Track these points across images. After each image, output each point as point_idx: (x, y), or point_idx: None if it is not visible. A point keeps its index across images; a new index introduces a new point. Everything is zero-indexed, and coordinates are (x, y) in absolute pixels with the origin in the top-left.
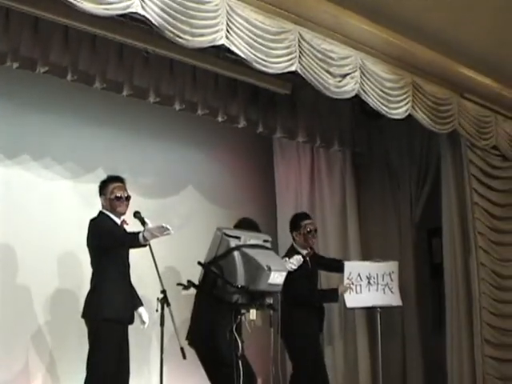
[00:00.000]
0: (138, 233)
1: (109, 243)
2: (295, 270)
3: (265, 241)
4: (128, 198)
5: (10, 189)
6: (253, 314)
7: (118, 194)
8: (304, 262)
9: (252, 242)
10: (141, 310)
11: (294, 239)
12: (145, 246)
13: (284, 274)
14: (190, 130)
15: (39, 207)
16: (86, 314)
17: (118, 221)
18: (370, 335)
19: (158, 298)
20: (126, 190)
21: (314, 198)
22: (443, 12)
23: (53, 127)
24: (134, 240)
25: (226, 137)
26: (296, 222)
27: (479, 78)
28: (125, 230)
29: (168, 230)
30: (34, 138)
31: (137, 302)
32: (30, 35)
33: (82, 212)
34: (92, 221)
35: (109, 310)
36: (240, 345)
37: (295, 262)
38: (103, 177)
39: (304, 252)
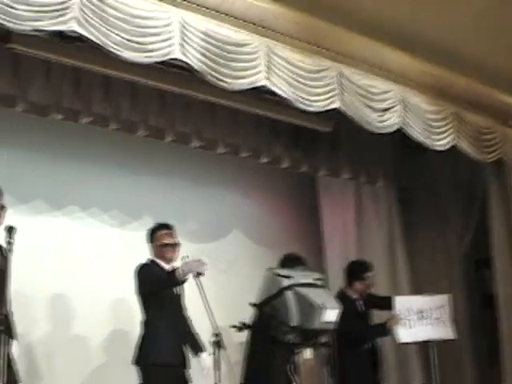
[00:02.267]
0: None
1: (152, 287)
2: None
3: (317, 279)
4: (177, 245)
5: (58, 239)
6: (307, 353)
7: (166, 241)
8: (355, 306)
9: (304, 280)
10: (203, 356)
11: (349, 285)
12: (183, 282)
13: (337, 311)
14: (232, 173)
15: (87, 256)
16: (136, 360)
17: (167, 267)
18: (424, 370)
19: (211, 342)
20: (174, 236)
21: (361, 234)
22: (482, 41)
23: (98, 176)
24: (173, 277)
25: (270, 178)
26: (361, 272)
27: None
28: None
29: (204, 263)
30: (79, 187)
31: (198, 347)
32: (71, 87)
33: (128, 259)
34: (138, 268)
35: (155, 354)
36: None
37: None
38: (149, 224)
39: (354, 296)
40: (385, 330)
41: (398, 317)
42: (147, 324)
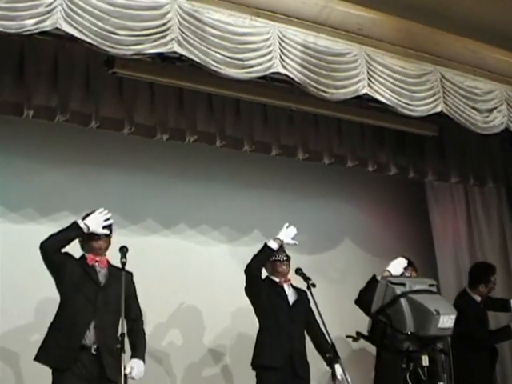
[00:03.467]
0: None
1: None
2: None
3: (430, 285)
4: (288, 259)
5: (168, 258)
6: (425, 360)
7: (278, 257)
8: (479, 309)
9: (417, 287)
10: (336, 366)
11: (473, 287)
12: (272, 251)
13: (453, 317)
14: (339, 183)
15: (199, 273)
16: (251, 363)
17: (277, 280)
18: None
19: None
20: (283, 251)
21: (472, 238)
22: None
23: (207, 194)
24: (261, 252)
25: (378, 186)
26: (487, 275)
27: None
28: None
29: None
30: (188, 205)
31: (332, 358)
32: (175, 106)
33: (241, 275)
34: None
35: (262, 358)
36: None
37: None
38: (259, 238)
39: (478, 299)
40: (509, 333)
41: None
42: (259, 329)
